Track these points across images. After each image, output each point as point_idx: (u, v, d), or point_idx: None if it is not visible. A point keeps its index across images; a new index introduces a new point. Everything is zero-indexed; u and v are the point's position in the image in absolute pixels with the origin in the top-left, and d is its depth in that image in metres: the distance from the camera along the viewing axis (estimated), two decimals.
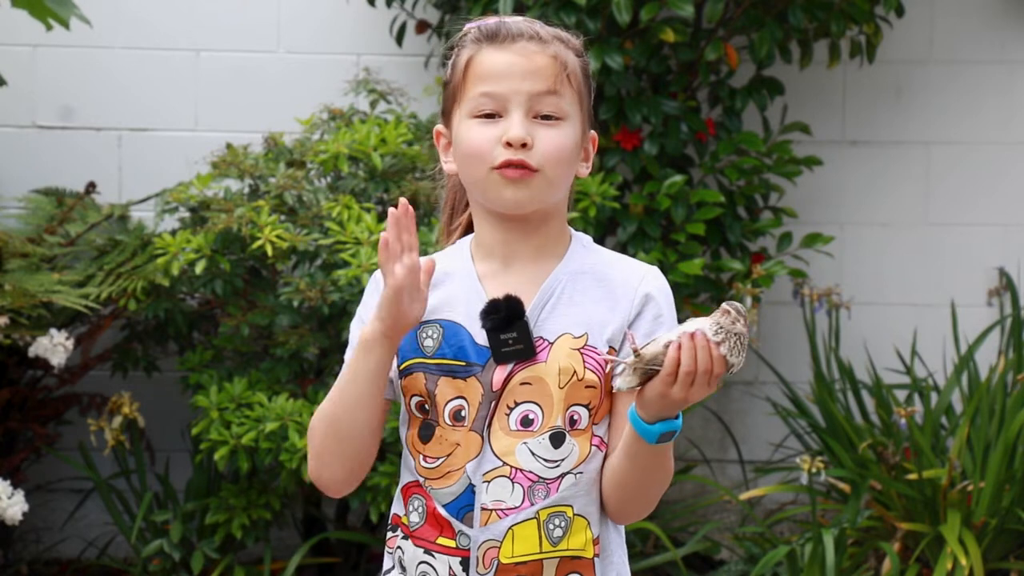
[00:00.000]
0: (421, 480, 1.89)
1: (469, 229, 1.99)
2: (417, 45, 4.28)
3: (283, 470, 3.52)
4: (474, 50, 1.90)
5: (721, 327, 1.71)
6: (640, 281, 1.90)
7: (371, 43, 4.33)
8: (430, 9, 4.25)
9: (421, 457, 1.89)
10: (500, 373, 1.86)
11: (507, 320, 1.84)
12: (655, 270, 1.92)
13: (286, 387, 3.64)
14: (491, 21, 1.92)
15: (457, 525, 1.86)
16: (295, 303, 3.56)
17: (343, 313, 3.59)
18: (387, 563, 1.96)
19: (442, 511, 1.86)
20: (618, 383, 1.78)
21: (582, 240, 1.95)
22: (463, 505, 1.86)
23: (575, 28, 3.68)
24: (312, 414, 3.43)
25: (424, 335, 1.89)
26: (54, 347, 3.63)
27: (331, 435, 1.88)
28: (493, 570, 1.85)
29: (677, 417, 1.78)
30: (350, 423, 1.87)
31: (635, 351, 1.75)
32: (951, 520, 3.58)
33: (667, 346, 1.72)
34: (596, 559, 1.88)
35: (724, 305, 1.72)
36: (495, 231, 1.92)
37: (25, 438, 3.97)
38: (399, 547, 1.92)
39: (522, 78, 1.87)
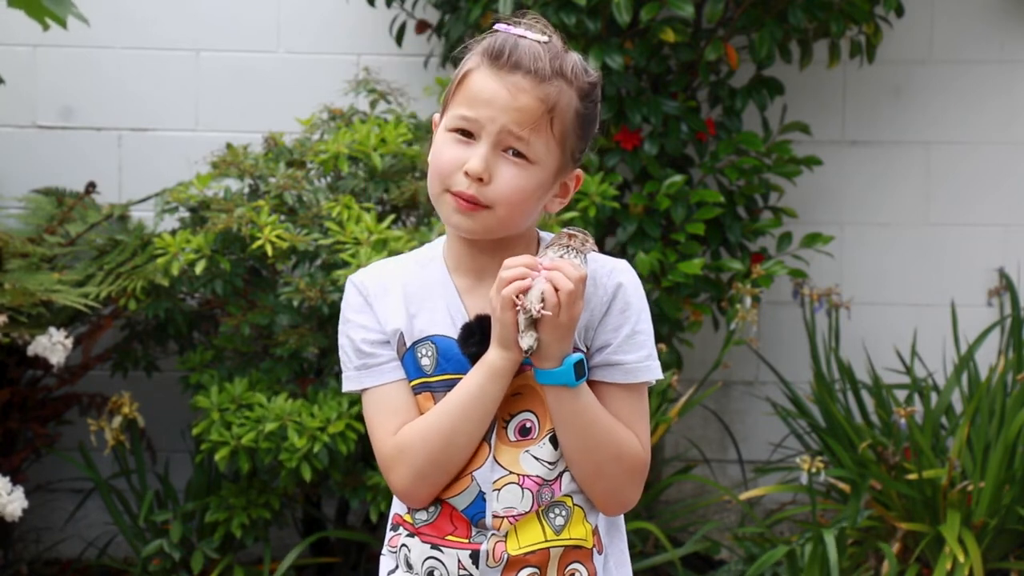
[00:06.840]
0: None
1: None
2: (417, 45, 4.28)
3: (283, 470, 3.52)
4: (475, 64, 1.88)
5: (565, 253, 1.84)
6: (608, 275, 1.90)
7: (371, 43, 4.33)
8: (430, 9, 4.25)
9: None
10: None
11: (483, 340, 1.86)
12: (623, 263, 1.92)
13: (286, 387, 3.65)
14: (502, 38, 1.87)
15: (474, 529, 1.88)
16: (295, 303, 3.56)
17: None
18: (389, 564, 1.96)
19: (461, 514, 1.89)
20: (525, 343, 1.81)
21: (547, 241, 1.93)
22: (475, 512, 1.89)
23: (575, 28, 3.74)
24: (312, 414, 3.49)
25: (420, 354, 1.90)
26: (53, 346, 3.63)
27: (442, 451, 1.87)
28: (503, 563, 1.87)
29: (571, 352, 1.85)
30: (468, 440, 1.87)
31: (526, 319, 1.82)
32: (951, 520, 3.58)
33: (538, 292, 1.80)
34: (595, 550, 1.90)
35: (557, 240, 1.85)
36: (463, 246, 1.93)
37: (25, 438, 3.97)
38: (404, 545, 1.93)
39: (501, 111, 1.84)
